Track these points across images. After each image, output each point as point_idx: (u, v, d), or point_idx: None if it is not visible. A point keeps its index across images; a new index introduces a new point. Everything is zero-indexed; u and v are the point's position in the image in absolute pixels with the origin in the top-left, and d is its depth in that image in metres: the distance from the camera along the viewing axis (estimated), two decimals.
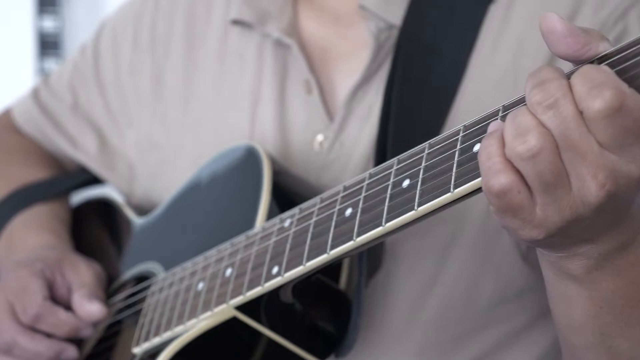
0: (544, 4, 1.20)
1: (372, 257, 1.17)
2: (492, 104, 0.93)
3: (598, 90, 0.78)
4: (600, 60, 0.82)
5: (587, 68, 0.80)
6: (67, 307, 1.24)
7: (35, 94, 1.53)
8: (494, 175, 0.82)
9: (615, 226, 0.86)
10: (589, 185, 0.81)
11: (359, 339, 1.12)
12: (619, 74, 0.80)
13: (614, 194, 0.81)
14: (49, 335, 1.22)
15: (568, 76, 0.82)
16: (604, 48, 0.83)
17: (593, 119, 0.79)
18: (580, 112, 0.80)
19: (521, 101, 0.86)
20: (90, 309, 1.21)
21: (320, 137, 1.25)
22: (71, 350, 1.23)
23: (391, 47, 1.24)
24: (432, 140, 0.93)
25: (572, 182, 0.81)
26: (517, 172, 0.82)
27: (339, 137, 1.24)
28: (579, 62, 0.84)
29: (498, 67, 1.20)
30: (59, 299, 1.24)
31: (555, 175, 0.81)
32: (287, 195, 1.16)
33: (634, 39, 0.82)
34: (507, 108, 0.86)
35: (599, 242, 0.87)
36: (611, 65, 0.81)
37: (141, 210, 1.39)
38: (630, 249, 0.89)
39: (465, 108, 1.19)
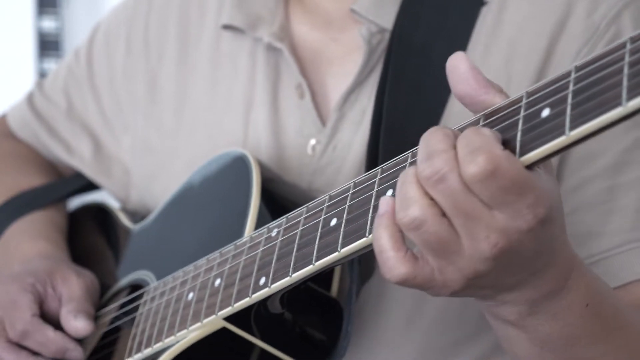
0: (535, 8, 1.19)
1: (364, 263, 1.16)
2: None
3: (472, 156, 0.82)
4: (490, 115, 0.87)
5: (469, 131, 0.84)
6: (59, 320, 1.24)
7: (29, 99, 1.52)
8: (389, 270, 0.88)
9: (534, 275, 0.90)
10: (482, 245, 0.85)
11: (352, 346, 1.12)
12: (503, 131, 0.85)
13: (508, 249, 0.85)
14: (35, 353, 1.21)
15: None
16: (500, 99, 0.87)
17: (470, 183, 0.83)
18: None
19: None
20: (76, 325, 1.21)
21: (313, 141, 1.25)
22: None
23: (383, 50, 1.23)
24: (413, 149, 0.93)
25: (464, 243, 0.85)
26: (412, 260, 0.88)
27: (331, 141, 1.23)
28: (472, 106, 0.89)
29: (490, 71, 1.18)
30: (51, 312, 1.24)
31: (441, 242, 0.85)
32: (278, 202, 1.16)
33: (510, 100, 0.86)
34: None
35: (522, 290, 0.91)
36: (498, 122, 0.86)
37: (137, 216, 1.39)
38: (562, 294, 0.94)
39: (458, 112, 1.18)
